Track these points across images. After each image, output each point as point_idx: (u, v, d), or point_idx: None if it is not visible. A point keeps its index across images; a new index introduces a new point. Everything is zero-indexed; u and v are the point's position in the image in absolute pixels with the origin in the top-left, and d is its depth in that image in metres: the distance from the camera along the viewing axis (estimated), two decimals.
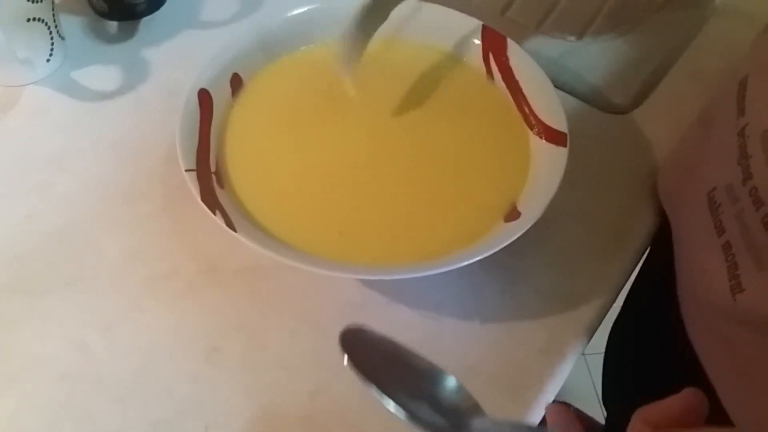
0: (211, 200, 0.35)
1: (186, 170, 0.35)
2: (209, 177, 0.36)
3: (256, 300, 0.38)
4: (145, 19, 0.52)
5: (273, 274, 0.39)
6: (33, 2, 0.43)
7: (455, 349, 0.37)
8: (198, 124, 0.38)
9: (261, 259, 0.39)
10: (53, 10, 0.46)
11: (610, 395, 0.59)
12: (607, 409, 0.70)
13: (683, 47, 0.52)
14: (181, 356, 0.36)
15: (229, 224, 0.33)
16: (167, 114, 0.45)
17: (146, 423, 0.34)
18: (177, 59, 0.49)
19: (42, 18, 0.45)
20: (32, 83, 0.47)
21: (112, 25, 0.51)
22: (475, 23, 0.44)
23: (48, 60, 0.47)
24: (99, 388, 0.35)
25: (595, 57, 0.49)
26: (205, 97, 0.39)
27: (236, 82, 0.42)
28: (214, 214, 0.34)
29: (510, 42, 0.43)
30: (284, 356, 0.36)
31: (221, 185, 0.37)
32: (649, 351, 0.49)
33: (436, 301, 0.38)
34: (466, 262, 0.33)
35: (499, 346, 0.37)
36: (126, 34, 0.51)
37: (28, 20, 0.44)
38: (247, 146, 0.40)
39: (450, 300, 0.38)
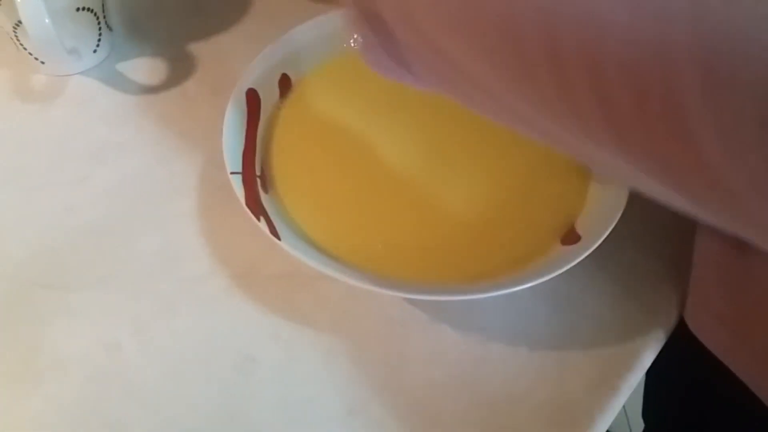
0: (255, 205, 0.33)
1: (231, 173, 0.34)
2: (254, 181, 0.35)
3: (293, 310, 0.36)
4: (192, 17, 0.51)
5: (311, 283, 0.37)
6: None
7: (501, 376, 0.35)
8: (245, 126, 0.37)
9: (300, 267, 0.37)
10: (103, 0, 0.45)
11: (651, 411, 0.56)
12: (646, 423, 0.67)
13: None
14: (213, 363, 0.34)
15: (273, 232, 0.32)
16: (211, 112, 0.44)
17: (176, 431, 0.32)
18: (223, 57, 0.48)
19: (91, 8, 0.44)
20: (78, 73, 0.46)
21: (161, 19, 0.51)
22: None
23: (95, 51, 0.46)
24: (128, 392, 0.33)
25: None
26: (252, 98, 0.38)
27: (285, 83, 0.40)
28: (258, 220, 0.32)
29: None
30: (320, 371, 0.34)
31: (266, 189, 0.36)
32: (697, 368, 0.46)
33: (481, 324, 0.36)
34: (520, 287, 0.30)
35: (548, 376, 0.34)
36: (173, 29, 0.50)
37: (78, 9, 0.43)
38: (293, 150, 0.38)
39: (497, 323, 0.36)
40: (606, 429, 0.33)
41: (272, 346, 0.35)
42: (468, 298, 0.31)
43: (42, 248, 0.38)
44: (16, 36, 0.43)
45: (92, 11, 0.44)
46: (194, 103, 0.45)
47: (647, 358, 0.35)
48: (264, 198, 0.35)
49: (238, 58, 0.46)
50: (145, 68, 0.47)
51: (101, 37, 0.46)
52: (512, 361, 0.35)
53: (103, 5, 0.45)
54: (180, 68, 0.48)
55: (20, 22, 0.41)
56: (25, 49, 0.44)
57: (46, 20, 0.39)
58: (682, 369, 0.49)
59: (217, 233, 0.39)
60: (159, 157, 0.42)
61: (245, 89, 0.38)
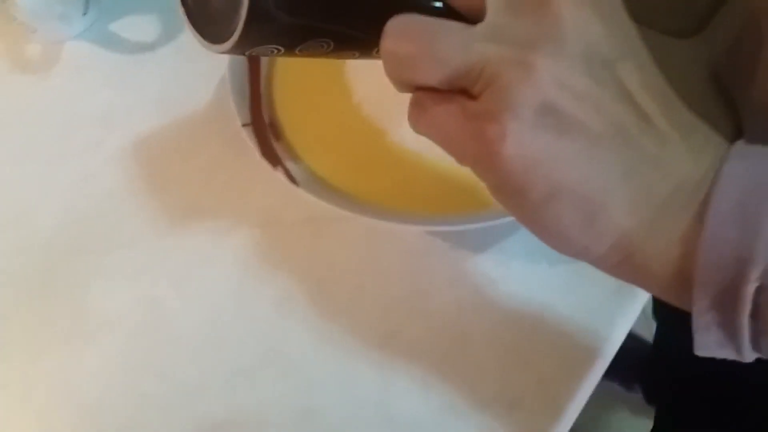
0: (270, 155, 0.34)
1: (243, 125, 0.34)
2: (265, 130, 0.36)
3: (319, 251, 0.38)
4: None
5: (333, 225, 0.38)
6: None
7: (523, 292, 0.36)
8: (248, 76, 0.37)
9: (320, 210, 0.38)
10: None
11: (661, 305, 0.59)
12: (657, 321, 0.70)
13: None
14: (251, 307, 0.36)
15: (291, 179, 0.33)
16: (209, 64, 0.43)
17: (226, 373, 0.34)
18: None
19: None
20: (71, 39, 0.46)
21: None
22: None
23: (84, 14, 0.46)
24: (174, 342, 0.35)
25: None
26: None
27: None
28: (275, 169, 0.33)
29: None
30: (351, 304, 0.36)
31: (277, 137, 0.36)
32: None
33: (500, 245, 0.37)
34: None
35: (569, 288, 0.36)
36: None
37: None
38: (295, 93, 0.39)
39: (515, 243, 0.37)
40: (626, 332, 0.35)
41: (304, 286, 0.37)
42: (486, 225, 0.32)
43: (69, 217, 0.39)
44: (6, 8, 0.43)
45: None
46: (191, 56, 0.45)
47: None
48: (276, 146, 0.35)
49: None
50: (137, 25, 0.47)
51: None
52: (533, 277, 0.37)
53: None
54: (171, 21, 0.47)
55: None
56: (15, 18, 0.44)
57: None
58: None
59: (234, 185, 0.40)
60: (166, 114, 0.43)
61: None
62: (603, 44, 0.20)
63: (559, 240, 0.21)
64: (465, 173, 0.36)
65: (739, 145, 0.21)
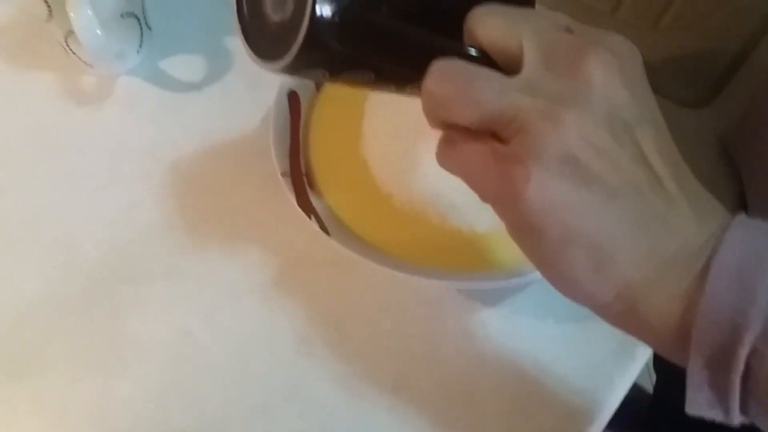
0: (305, 205, 0.37)
1: (282, 174, 0.37)
2: (302, 180, 0.39)
3: (341, 293, 0.40)
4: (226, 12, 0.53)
5: (357, 270, 0.41)
6: None
7: (529, 348, 0.39)
8: (289, 126, 0.40)
9: (345, 255, 0.41)
10: (143, 3, 0.48)
11: (661, 358, 0.60)
12: (657, 373, 0.72)
13: (761, 34, 0.51)
14: (274, 345, 0.39)
15: (323, 228, 0.36)
16: (252, 105, 0.47)
17: (246, 406, 0.37)
18: None
19: (133, 12, 0.47)
20: (124, 74, 0.50)
21: (196, 14, 0.53)
22: None
23: (138, 51, 0.49)
24: (203, 373, 0.38)
25: (670, 45, 0.49)
26: (293, 99, 0.41)
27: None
28: (309, 218, 0.36)
29: None
30: (368, 348, 0.39)
31: (311, 186, 0.39)
32: None
33: (510, 301, 0.40)
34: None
35: (573, 347, 0.39)
36: (209, 23, 0.52)
37: (122, 15, 0.46)
38: (330, 142, 0.41)
39: (524, 300, 0.40)
40: (624, 394, 0.38)
41: (325, 328, 0.39)
42: (496, 285, 0.35)
43: (113, 245, 0.42)
44: (67, 44, 0.46)
45: (134, 15, 0.47)
46: (235, 98, 0.48)
47: None
48: (311, 195, 0.38)
49: None
50: (185, 64, 0.50)
51: (143, 38, 0.49)
52: (539, 334, 0.39)
53: (143, 7, 0.48)
54: (218, 63, 0.50)
55: (72, 31, 0.44)
56: (74, 53, 0.47)
57: (98, 31, 0.42)
58: None
59: (268, 224, 0.43)
60: (209, 152, 0.46)
61: (287, 91, 0.41)
62: (626, 109, 0.22)
63: (568, 284, 0.23)
64: (482, 234, 0.38)
65: (742, 216, 0.23)
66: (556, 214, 0.21)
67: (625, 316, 0.23)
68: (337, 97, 0.43)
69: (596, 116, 0.21)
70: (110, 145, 0.46)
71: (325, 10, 0.21)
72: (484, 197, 0.23)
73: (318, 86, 0.43)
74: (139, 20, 0.47)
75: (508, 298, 0.40)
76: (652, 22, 0.49)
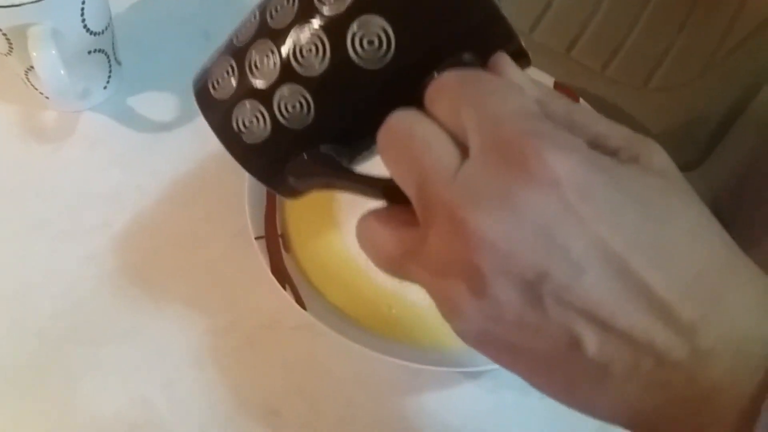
0: (280, 271, 0.34)
1: (256, 238, 0.35)
2: (277, 242, 0.36)
3: (314, 361, 0.38)
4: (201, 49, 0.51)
5: (331, 336, 0.38)
6: (96, 35, 0.42)
7: (514, 422, 0.37)
8: (265, 189, 0.37)
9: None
10: (113, 38, 0.45)
11: None
12: None
13: (752, 95, 0.50)
14: (241, 417, 0.36)
15: (299, 301, 0.33)
16: (225, 151, 0.44)
17: None
18: None
19: (102, 48, 0.44)
20: (88, 109, 0.47)
21: (168, 50, 0.50)
22: (547, 79, 0.42)
23: (105, 87, 0.46)
24: None
25: (660, 105, 0.48)
26: None
27: None
28: (284, 288, 0.33)
29: (582, 102, 0.41)
30: (341, 424, 0.36)
31: (287, 249, 0.37)
32: None
33: (493, 372, 0.38)
34: None
35: (558, 421, 0.37)
36: (182, 59, 0.50)
37: (89, 52, 0.43)
38: (307, 203, 0.39)
39: (509, 375, 0.38)
40: None
41: (296, 400, 0.37)
42: (470, 370, 0.33)
43: (68, 302, 0.39)
44: (28, 79, 0.43)
45: (104, 51, 0.44)
46: (208, 141, 0.45)
47: None
48: (286, 259, 0.36)
49: None
50: (155, 102, 0.47)
51: (111, 73, 0.46)
52: (524, 407, 0.37)
53: (113, 44, 0.45)
54: (190, 101, 0.47)
55: (32, 67, 0.41)
56: (35, 89, 0.44)
57: (62, 71, 0.39)
58: None
59: (239, 282, 0.40)
60: (177, 200, 0.43)
61: None
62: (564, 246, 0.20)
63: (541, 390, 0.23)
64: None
65: None
66: (490, 349, 0.23)
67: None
68: None
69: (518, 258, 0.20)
70: (70, 189, 0.43)
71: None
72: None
73: None
74: (107, 56, 0.45)
75: (492, 371, 0.38)
76: (641, 81, 0.48)
